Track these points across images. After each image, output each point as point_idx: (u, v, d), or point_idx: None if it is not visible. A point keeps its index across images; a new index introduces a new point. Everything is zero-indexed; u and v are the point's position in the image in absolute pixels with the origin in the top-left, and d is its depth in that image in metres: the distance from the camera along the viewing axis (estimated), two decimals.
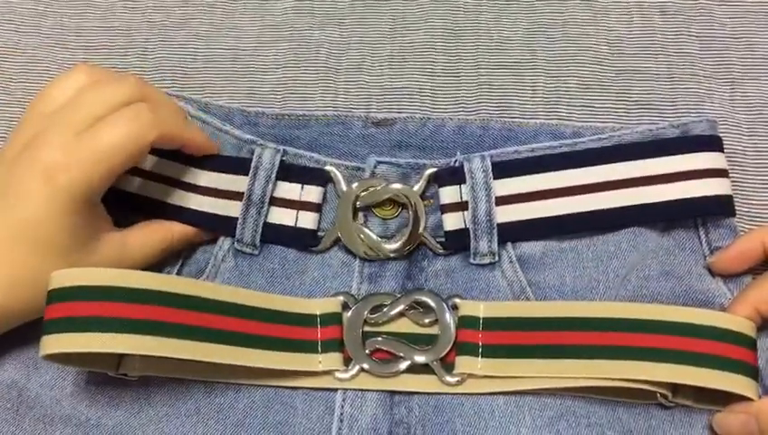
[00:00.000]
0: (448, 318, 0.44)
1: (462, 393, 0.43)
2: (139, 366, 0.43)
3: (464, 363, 0.43)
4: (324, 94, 0.55)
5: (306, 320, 0.44)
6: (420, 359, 0.43)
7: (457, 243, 0.46)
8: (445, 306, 0.44)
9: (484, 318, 0.43)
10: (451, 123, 0.49)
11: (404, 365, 0.43)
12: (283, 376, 0.43)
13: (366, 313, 0.44)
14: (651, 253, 0.45)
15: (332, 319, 0.44)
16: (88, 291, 0.38)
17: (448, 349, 0.43)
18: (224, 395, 0.43)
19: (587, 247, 0.45)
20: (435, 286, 0.46)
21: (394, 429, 0.42)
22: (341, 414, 0.42)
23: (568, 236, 0.46)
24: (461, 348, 0.43)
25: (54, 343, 0.38)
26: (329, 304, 0.44)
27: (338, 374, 0.43)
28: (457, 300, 0.44)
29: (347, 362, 0.43)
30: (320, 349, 0.43)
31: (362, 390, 0.43)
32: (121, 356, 0.43)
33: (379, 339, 0.44)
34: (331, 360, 0.43)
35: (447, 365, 0.43)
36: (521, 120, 0.51)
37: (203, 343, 0.40)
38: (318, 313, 0.44)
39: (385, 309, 0.44)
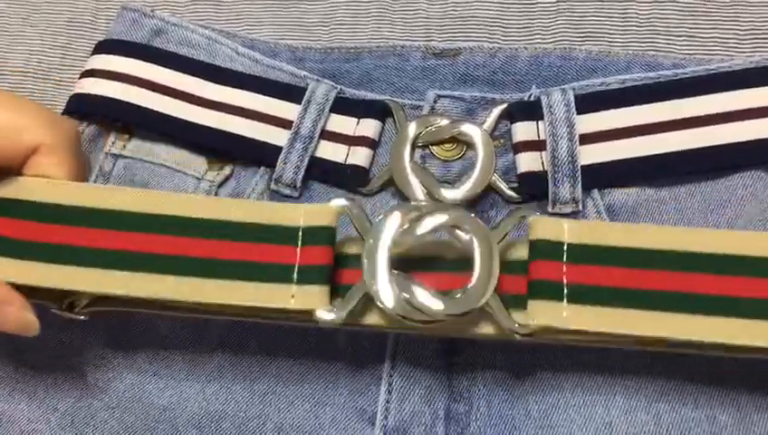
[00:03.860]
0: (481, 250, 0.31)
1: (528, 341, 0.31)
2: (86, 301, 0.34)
3: (541, 311, 0.31)
4: (377, 25, 0.49)
5: (284, 235, 0.32)
6: (450, 309, 0.31)
7: (533, 188, 0.39)
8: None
9: (570, 245, 0.31)
10: (525, 53, 0.43)
11: (450, 309, 0.31)
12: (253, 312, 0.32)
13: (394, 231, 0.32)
14: None
15: (320, 236, 0.32)
16: None
17: (491, 286, 0.31)
18: (252, 358, 0.38)
19: (690, 195, 0.38)
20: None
21: (453, 404, 0.36)
22: (390, 385, 0.36)
23: (667, 182, 0.38)
24: (536, 288, 0.31)
25: None
26: (320, 214, 0.32)
27: (323, 315, 0.31)
28: (531, 218, 0.33)
29: (346, 296, 0.32)
30: (295, 277, 0.31)
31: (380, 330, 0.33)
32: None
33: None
34: (308, 296, 0.31)
35: (516, 298, 0.31)
36: (609, 49, 0.43)
37: (121, 272, 0.31)
38: (301, 224, 0.32)
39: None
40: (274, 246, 0.31)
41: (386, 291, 0.31)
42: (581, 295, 0.30)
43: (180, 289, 0.31)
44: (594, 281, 0.30)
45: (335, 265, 0.32)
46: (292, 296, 0.31)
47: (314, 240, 0.32)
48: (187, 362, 0.38)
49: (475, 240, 0.32)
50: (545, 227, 0.32)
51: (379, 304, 0.31)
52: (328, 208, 0.33)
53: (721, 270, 0.29)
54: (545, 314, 0.31)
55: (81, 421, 0.37)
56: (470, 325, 0.32)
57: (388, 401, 0.35)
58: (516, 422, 0.35)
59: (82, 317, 0.35)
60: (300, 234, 0.32)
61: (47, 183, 0.33)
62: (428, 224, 0.33)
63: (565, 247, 0.31)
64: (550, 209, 0.38)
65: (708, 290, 0.29)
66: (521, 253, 0.32)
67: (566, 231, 0.31)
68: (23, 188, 0.33)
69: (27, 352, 0.39)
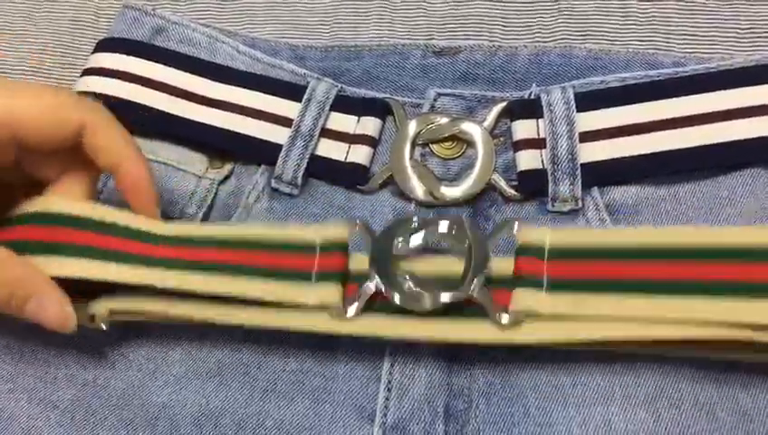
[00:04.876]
0: (476, 237, 0.35)
1: (520, 344, 0.33)
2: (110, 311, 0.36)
3: (523, 298, 0.33)
4: (378, 24, 0.49)
5: (303, 248, 0.36)
6: (445, 297, 0.33)
7: (533, 186, 0.39)
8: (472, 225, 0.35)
9: (551, 247, 0.34)
10: (525, 51, 0.43)
11: (445, 297, 0.33)
12: (269, 313, 0.35)
13: (396, 240, 0.35)
14: None
15: (334, 247, 0.35)
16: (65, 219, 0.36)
17: (482, 276, 0.33)
18: (252, 355, 0.37)
19: (691, 194, 0.38)
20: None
21: (452, 401, 0.36)
22: (389, 382, 0.36)
23: (667, 180, 0.38)
24: (520, 282, 0.33)
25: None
26: (332, 231, 0.36)
27: (340, 314, 0.34)
28: (517, 225, 0.35)
29: (348, 301, 0.35)
30: (314, 279, 0.35)
31: (380, 337, 0.35)
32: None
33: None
34: (325, 293, 0.34)
35: (502, 308, 0.33)
36: (610, 48, 0.43)
37: (169, 272, 0.35)
38: (318, 241, 0.36)
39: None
40: (297, 256, 0.35)
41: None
42: (559, 286, 0.33)
43: (210, 283, 0.35)
44: (570, 275, 0.33)
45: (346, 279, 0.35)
46: (311, 295, 0.34)
47: (329, 250, 0.35)
48: (186, 359, 0.38)
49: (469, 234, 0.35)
50: (530, 232, 0.35)
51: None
52: (340, 228, 0.36)
53: (690, 257, 0.32)
54: (527, 300, 0.33)
55: (80, 418, 0.37)
56: (463, 327, 0.34)
57: (387, 399, 0.35)
58: (515, 419, 0.35)
59: (104, 328, 0.36)
60: (317, 247, 0.35)
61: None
62: (421, 238, 0.36)
63: (546, 248, 0.34)
64: (549, 207, 0.38)
65: (670, 276, 0.32)
66: (508, 269, 0.34)
67: (548, 237, 0.34)
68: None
69: (27, 349, 0.39)
